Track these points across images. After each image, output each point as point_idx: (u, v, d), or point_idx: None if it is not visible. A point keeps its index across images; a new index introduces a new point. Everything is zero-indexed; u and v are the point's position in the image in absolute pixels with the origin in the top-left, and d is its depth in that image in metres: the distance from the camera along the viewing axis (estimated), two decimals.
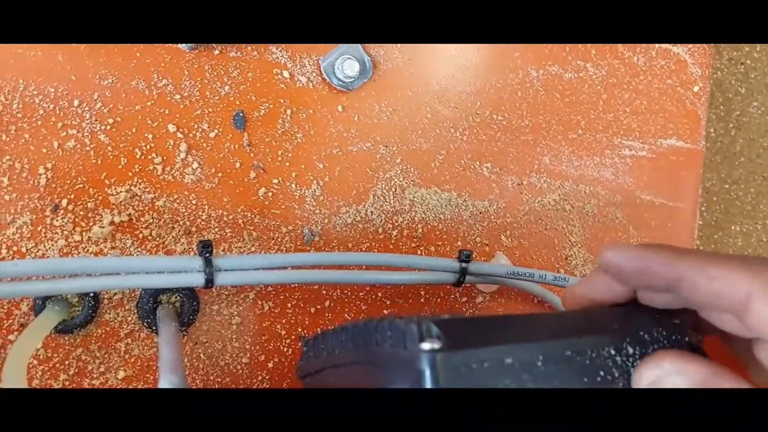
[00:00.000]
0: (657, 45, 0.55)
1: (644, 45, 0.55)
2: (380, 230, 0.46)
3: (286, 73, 0.44)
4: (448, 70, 0.48)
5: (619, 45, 0.54)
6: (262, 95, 0.43)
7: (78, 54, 0.39)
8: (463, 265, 0.43)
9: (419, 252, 0.47)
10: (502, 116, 0.50)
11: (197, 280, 0.37)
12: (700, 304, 0.26)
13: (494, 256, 0.49)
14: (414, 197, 0.47)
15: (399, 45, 0.47)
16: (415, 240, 0.47)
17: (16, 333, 0.38)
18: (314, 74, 0.45)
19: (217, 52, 0.42)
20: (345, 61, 0.44)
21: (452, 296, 0.48)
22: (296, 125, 0.44)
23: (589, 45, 0.53)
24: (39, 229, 0.38)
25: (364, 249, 0.45)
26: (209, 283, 0.37)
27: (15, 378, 0.32)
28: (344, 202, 0.45)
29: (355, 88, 0.45)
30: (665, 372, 0.25)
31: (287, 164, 0.44)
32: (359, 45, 0.45)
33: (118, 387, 0.40)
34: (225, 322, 0.42)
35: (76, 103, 0.39)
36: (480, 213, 0.49)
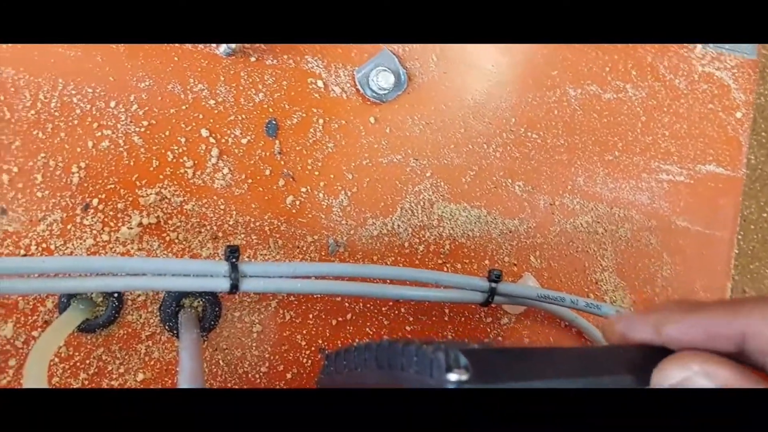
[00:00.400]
0: (700, 69, 0.54)
1: (687, 68, 0.53)
2: (406, 244, 0.45)
3: (320, 83, 0.44)
4: (484, 86, 0.48)
5: (660, 67, 0.53)
6: (296, 104, 0.43)
7: (117, 55, 0.40)
8: (493, 284, 0.42)
9: (445, 269, 0.46)
10: (536, 134, 0.49)
11: (222, 285, 0.37)
12: None
13: (522, 276, 0.48)
14: (443, 212, 0.46)
15: (436, 58, 0.46)
16: (441, 256, 0.46)
17: (39, 330, 0.38)
18: (348, 85, 0.44)
19: (253, 59, 0.42)
20: (380, 72, 0.44)
21: (477, 316, 0.47)
22: (328, 135, 0.44)
23: (629, 66, 0.52)
24: (69, 227, 0.38)
25: (389, 263, 0.45)
26: (234, 288, 0.37)
27: (36, 375, 0.33)
28: (371, 213, 0.45)
29: (388, 100, 0.45)
30: (693, 373, 0.24)
31: (316, 173, 0.44)
32: (395, 57, 0.45)
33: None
34: (246, 329, 0.42)
35: (112, 104, 0.39)
36: (510, 232, 0.48)
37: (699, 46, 0.54)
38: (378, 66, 0.44)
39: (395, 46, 0.45)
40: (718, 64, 0.55)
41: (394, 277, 0.42)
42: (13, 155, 0.38)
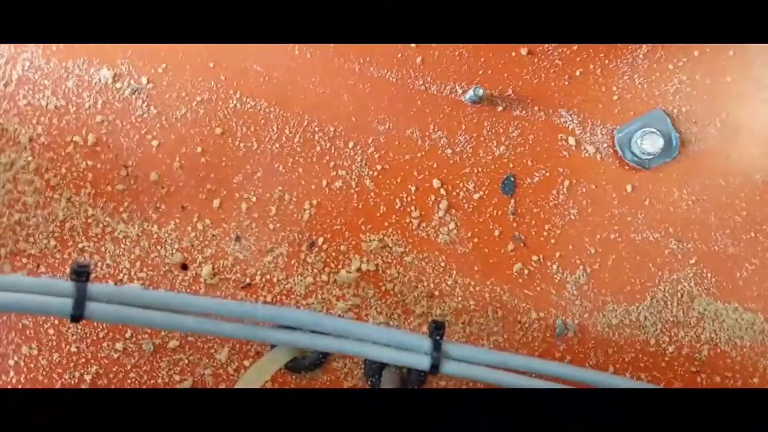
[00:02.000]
0: None
1: None
2: (652, 341, 0.38)
3: (572, 140, 0.38)
4: None
5: None
6: (540, 161, 0.38)
7: (362, 95, 0.39)
8: None
9: (699, 380, 0.37)
10: None
11: (423, 362, 0.34)
12: None
13: None
14: (705, 310, 0.38)
15: (719, 123, 0.38)
16: (696, 364, 0.37)
17: (251, 359, 0.38)
18: (605, 145, 0.38)
19: (500, 108, 0.39)
20: (646, 134, 0.37)
21: None
22: (572, 199, 0.38)
23: None
24: (292, 262, 0.38)
25: (627, 359, 0.38)
26: (434, 369, 0.33)
27: None
28: (613, 297, 0.38)
29: (652, 167, 0.38)
30: None
31: (552, 242, 0.38)
32: (668, 118, 0.38)
33: None
34: None
35: (350, 144, 0.39)
36: None
37: None
38: (645, 126, 0.37)
39: (671, 107, 0.38)
40: None
41: (620, 386, 0.35)
42: (254, 185, 0.39)
